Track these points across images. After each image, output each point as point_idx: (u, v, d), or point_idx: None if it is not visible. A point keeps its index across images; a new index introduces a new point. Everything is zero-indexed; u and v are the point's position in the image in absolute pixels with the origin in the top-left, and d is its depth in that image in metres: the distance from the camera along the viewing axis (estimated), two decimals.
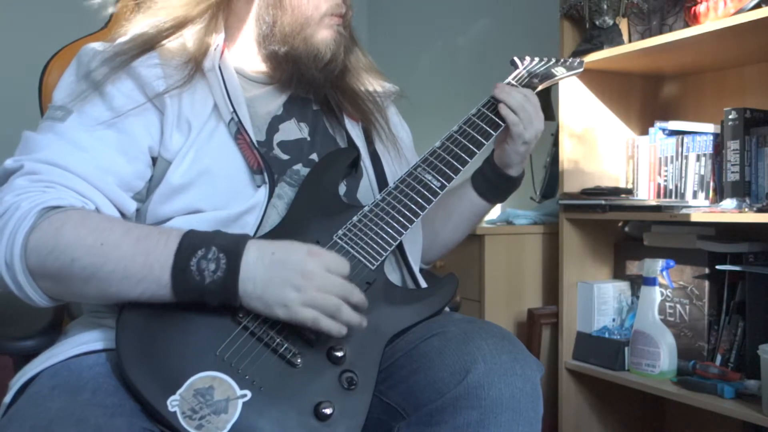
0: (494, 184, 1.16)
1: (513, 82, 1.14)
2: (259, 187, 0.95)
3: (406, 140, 1.22)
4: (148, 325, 0.82)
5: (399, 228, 0.96)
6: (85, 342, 0.88)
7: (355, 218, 0.96)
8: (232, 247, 0.81)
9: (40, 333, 1.03)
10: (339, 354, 0.85)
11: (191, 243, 0.81)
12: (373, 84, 1.17)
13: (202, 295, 0.81)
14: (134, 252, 0.81)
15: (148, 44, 0.98)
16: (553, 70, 1.21)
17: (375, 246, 0.94)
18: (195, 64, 0.98)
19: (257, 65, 1.06)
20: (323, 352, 0.85)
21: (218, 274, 0.80)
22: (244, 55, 1.06)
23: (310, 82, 1.05)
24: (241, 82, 1.03)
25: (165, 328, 0.82)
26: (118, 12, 1.06)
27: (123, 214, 0.92)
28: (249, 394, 0.79)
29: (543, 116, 1.11)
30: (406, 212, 0.98)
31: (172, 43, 1.00)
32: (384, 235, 0.95)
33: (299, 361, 0.84)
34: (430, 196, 1.00)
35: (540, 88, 1.17)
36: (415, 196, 0.99)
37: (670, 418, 2.07)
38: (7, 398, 0.85)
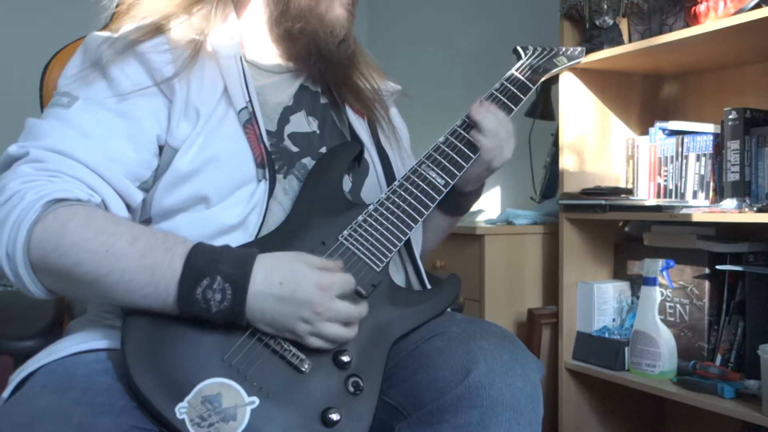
0: (456, 202, 1.14)
1: (517, 74, 1.13)
2: (260, 181, 0.94)
3: (404, 140, 1.21)
4: (154, 330, 0.81)
5: (404, 228, 0.96)
6: (86, 340, 0.88)
7: (360, 218, 0.95)
8: (238, 275, 0.80)
9: (40, 333, 1.02)
10: (345, 359, 0.85)
11: (195, 269, 0.79)
12: (376, 81, 1.16)
13: (209, 319, 0.81)
14: (139, 266, 0.79)
15: (155, 29, 0.97)
16: (554, 60, 1.21)
17: (380, 247, 0.94)
18: (203, 41, 0.97)
19: (268, 52, 1.05)
20: (329, 357, 0.85)
21: (224, 304, 0.79)
22: (253, 41, 1.05)
23: (326, 57, 1.03)
24: (251, 70, 1.02)
25: (172, 333, 0.81)
26: (120, 9, 1.05)
27: (129, 206, 0.92)
28: (257, 401, 0.79)
29: (513, 144, 1.08)
30: (411, 211, 0.97)
31: (179, 28, 0.98)
32: (389, 236, 0.95)
33: (306, 366, 0.83)
34: (434, 194, 0.99)
35: (543, 79, 1.17)
36: (420, 195, 0.98)
37: (670, 418, 2.07)
38: (5, 394, 0.85)
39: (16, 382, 0.85)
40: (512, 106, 1.10)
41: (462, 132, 1.04)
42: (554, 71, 1.20)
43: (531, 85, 1.13)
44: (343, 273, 0.86)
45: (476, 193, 1.16)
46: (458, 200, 1.15)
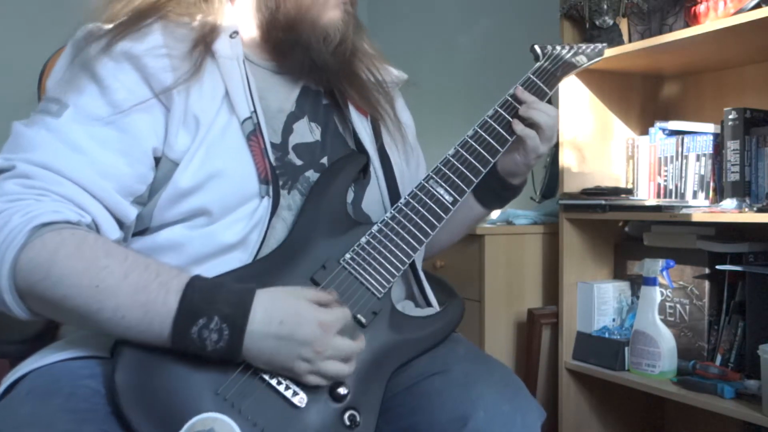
0: (496, 192, 1.12)
1: (534, 78, 1.09)
2: (262, 198, 0.90)
3: (410, 134, 1.16)
4: (147, 361, 0.79)
5: (408, 251, 0.92)
6: (76, 346, 0.85)
7: (363, 240, 0.92)
8: (236, 315, 0.77)
9: (36, 336, 1.01)
10: (342, 392, 0.83)
11: (191, 307, 0.76)
12: (380, 72, 1.11)
13: (203, 357, 0.78)
14: (132, 303, 0.76)
15: (148, 25, 0.91)
16: (574, 60, 1.15)
17: (383, 272, 0.91)
18: (204, 48, 0.91)
19: (264, 51, 1.00)
20: (326, 390, 0.83)
21: (220, 344, 0.77)
22: (250, 39, 0.99)
23: (322, 68, 0.98)
24: (251, 68, 0.97)
25: (165, 365, 0.79)
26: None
27: (122, 223, 0.87)
28: None
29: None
30: (416, 232, 0.93)
31: (176, 24, 0.93)
32: (393, 259, 0.91)
33: (302, 400, 0.81)
34: (441, 213, 0.95)
35: (563, 80, 1.13)
36: (426, 214, 0.94)
37: (670, 418, 2.07)
38: None
39: (4, 387, 0.83)
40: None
41: (473, 144, 1.00)
42: (575, 70, 1.15)
43: (548, 91, 1.09)
44: (340, 307, 0.84)
45: (520, 188, 1.15)
46: (503, 194, 1.13)
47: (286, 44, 0.97)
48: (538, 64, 1.12)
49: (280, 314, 0.79)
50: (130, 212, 0.87)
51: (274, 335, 0.78)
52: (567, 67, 1.13)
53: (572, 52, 1.17)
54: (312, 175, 0.98)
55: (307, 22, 0.96)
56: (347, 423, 0.82)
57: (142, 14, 0.92)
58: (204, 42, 0.92)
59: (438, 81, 3.00)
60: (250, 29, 1.00)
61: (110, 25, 0.91)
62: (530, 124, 1.04)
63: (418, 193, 0.96)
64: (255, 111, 0.92)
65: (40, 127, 0.84)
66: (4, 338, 1.03)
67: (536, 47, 1.15)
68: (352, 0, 1.01)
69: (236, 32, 0.96)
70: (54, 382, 0.79)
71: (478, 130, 1.02)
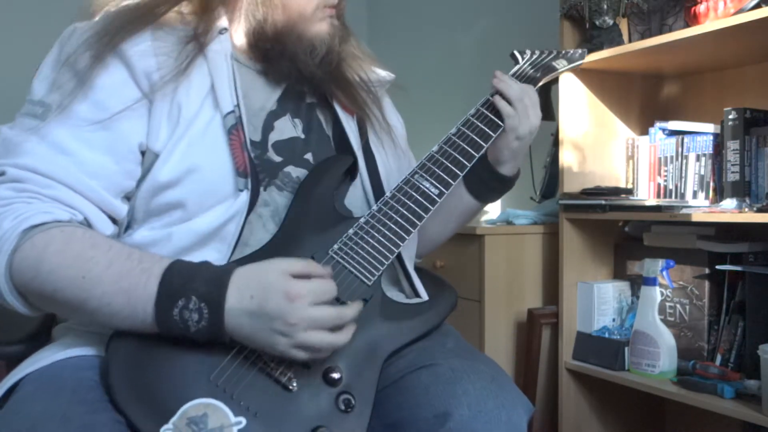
0: (487, 183, 1.12)
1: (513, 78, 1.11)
2: (240, 191, 0.90)
3: (399, 130, 1.17)
4: (139, 350, 0.80)
5: (396, 240, 0.94)
6: (71, 347, 0.87)
7: (351, 231, 0.93)
8: (213, 293, 0.78)
9: (29, 338, 1.02)
10: (336, 376, 0.83)
11: (170, 290, 0.78)
12: (367, 72, 1.11)
13: (190, 338, 0.79)
14: (115, 290, 0.78)
15: (140, 21, 0.91)
16: (554, 63, 1.18)
17: (372, 260, 0.91)
18: (194, 45, 0.92)
19: (251, 54, 1.00)
20: (319, 375, 0.84)
21: (202, 323, 0.78)
22: (238, 42, 1.00)
23: (308, 78, 0.99)
24: (236, 66, 0.97)
25: (158, 353, 0.80)
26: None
27: (115, 219, 0.89)
28: (244, 421, 0.77)
29: (540, 114, 1.08)
30: (404, 223, 0.95)
31: (167, 21, 0.93)
32: (381, 248, 0.92)
33: (295, 384, 0.82)
34: (427, 204, 0.97)
35: (542, 82, 1.15)
36: (413, 206, 0.96)
37: (670, 418, 2.07)
38: None
39: (2, 393, 0.84)
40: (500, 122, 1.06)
41: (456, 140, 1.02)
42: (555, 73, 1.18)
43: None
44: (323, 279, 0.82)
45: (512, 180, 1.14)
46: (492, 184, 1.13)
47: (273, 54, 0.98)
48: (517, 66, 1.16)
49: (251, 289, 0.79)
50: (120, 209, 0.90)
51: (246, 311, 0.78)
52: (546, 70, 1.16)
53: (552, 56, 1.20)
54: (293, 170, 0.98)
55: (294, 35, 0.97)
56: (342, 407, 0.83)
57: (132, 11, 0.92)
58: (196, 40, 0.93)
59: (438, 81, 3.00)
60: (238, 34, 1.00)
61: (96, 19, 0.91)
62: (507, 101, 1.05)
63: (404, 186, 0.98)
64: (238, 105, 0.93)
65: (26, 132, 0.86)
66: (2, 340, 1.03)
67: (516, 53, 1.19)
68: (338, 13, 1.02)
69: (225, 29, 0.97)
70: (57, 378, 0.80)
71: (461, 127, 1.04)
